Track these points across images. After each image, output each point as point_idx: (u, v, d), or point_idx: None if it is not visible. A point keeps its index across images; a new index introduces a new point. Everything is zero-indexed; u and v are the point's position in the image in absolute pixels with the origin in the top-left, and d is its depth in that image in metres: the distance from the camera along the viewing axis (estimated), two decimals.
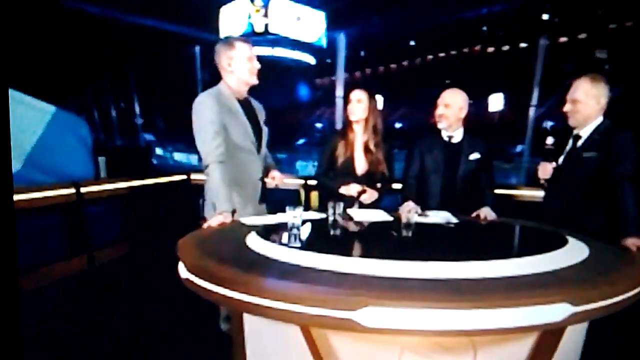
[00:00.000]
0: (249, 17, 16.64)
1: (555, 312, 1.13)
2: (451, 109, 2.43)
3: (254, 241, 1.67)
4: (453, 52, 19.99)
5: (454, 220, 2.09)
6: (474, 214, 2.29)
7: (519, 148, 8.39)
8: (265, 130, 2.28)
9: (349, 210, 2.28)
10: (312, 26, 16.10)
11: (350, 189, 2.49)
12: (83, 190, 2.70)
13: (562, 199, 2.18)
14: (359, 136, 2.54)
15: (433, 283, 1.24)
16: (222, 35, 17.16)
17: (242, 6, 16.23)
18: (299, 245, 1.58)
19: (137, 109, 10.74)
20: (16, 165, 3.52)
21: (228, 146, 2.09)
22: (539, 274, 1.33)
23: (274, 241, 1.63)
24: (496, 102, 16.79)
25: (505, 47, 19.01)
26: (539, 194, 3.33)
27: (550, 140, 2.22)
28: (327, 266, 1.36)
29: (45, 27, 11.67)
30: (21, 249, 2.44)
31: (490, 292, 1.17)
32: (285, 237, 1.68)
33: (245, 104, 2.20)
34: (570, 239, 1.70)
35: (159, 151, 14.61)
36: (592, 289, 1.22)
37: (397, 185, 2.64)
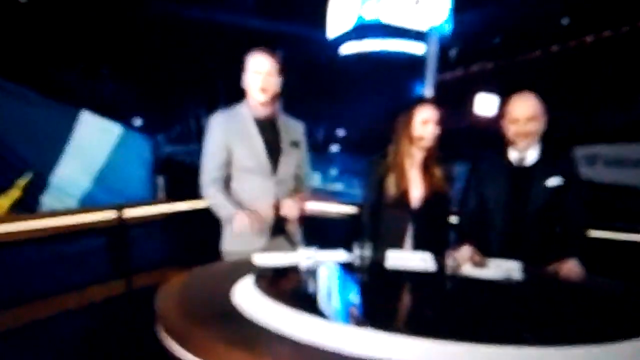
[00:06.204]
0: (362, 6, 16.86)
1: None
2: (538, 123, 2.06)
3: (242, 288, 1.65)
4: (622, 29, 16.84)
5: (517, 276, 1.76)
6: (550, 267, 1.90)
7: None
8: (286, 151, 2.25)
9: (388, 252, 2.10)
10: (434, 9, 15.56)
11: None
12: (126, 214, 3.05)
13: None
14: (417, 157, 2.32)
15: None
16: (328, 32, 17.62)
17: None
18: (283, 299, 1.50)
19: None
20: (86, 184, 4.05)
21: (232, 168, 2.21)
22: None
23: (262, 291, 1.58)
24: None
25: None
26: None
27: None
28: (297, 332, 1.26)
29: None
30: (60, 271, 2.82)
31: None
32: (279, 286, 1.62)
33: (265, 122, 2.24)
34: None
35: None
36: None
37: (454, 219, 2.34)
